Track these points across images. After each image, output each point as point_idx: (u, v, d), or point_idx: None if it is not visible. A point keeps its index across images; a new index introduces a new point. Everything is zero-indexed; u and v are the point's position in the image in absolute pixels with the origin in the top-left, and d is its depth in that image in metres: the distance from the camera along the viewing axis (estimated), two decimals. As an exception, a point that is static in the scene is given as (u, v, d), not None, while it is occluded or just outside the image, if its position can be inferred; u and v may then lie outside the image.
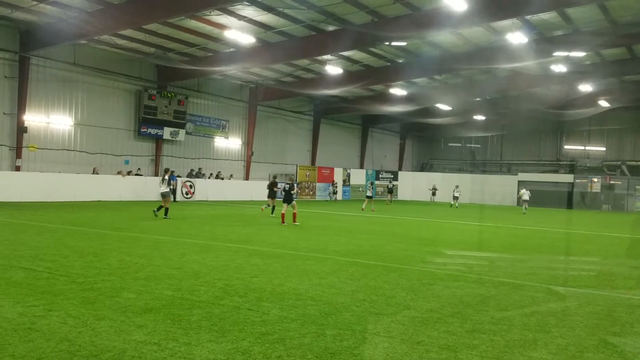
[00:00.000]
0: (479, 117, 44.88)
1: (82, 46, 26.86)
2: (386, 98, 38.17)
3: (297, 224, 17.47)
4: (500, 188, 45.36)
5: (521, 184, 44.53)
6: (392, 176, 49.02)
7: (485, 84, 34.26)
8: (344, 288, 7.48)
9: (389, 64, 30.54)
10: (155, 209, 18.36)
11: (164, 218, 17.73)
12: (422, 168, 57.04)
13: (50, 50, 25.31)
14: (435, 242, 14.08)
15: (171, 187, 20.75)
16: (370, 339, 5.20)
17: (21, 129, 25.09)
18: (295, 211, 17.99)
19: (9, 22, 23.91)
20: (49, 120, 26.61)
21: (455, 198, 37.21)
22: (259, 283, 7.61)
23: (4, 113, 24.81)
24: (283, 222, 17.74)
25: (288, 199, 18.02)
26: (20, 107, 25.01)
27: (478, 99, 40.26)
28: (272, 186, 21.56)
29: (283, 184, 20.44)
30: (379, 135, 52.37)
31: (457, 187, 38.18)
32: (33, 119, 25.78)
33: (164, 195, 18.38)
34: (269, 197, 21.73)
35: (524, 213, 31.68)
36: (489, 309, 6.69)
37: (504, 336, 5.52)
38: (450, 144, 56.77)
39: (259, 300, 6.56)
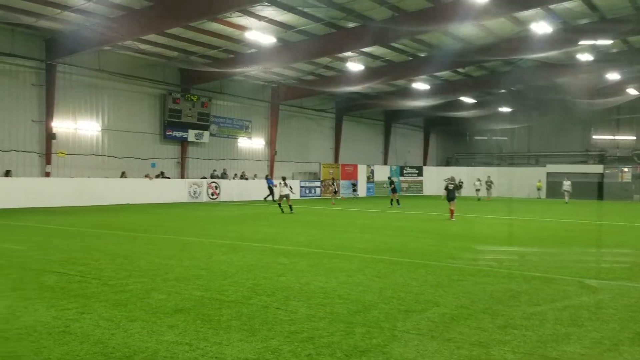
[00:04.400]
0: (505, 109, 44.26)
1: (107, 52, 27.31)
2: (409, 93, 37.92)
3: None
4: (527, 181, 44.58)
5: (550, 175, 43.76)
6: (416, 171, 48.64)
7: (510, 75, 33.75)
8: (371, 286, 7.45)
9: (410, 58, 30.31)
10: (281, 208, 22.06)
11: (290, 213, 21.34)
12: (448, 162, 56.44)
13: (75, 58, 25.78)
14: (463, 237, 13.92)
15: (282, 188, 22.56)
16: (400, 337, 5.17)
17: (50, 136, 25.66)
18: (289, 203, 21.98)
19: (34, 31, 24.45)
20: (76, 126, 27.14)
21: (478, 190, 37.03)
22: (286, 282, 7.63)
23: (32, 120, 25.40)
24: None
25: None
26: (48, 114, 25.57)
27: (503, 90, 39.72)
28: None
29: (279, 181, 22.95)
30: (403, 130, 52.02)
31: (479, 180, 37.90)
32: (61, 125, 26.34)
33: (285, 196, 22.04)
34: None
35: (566, 203, 31.83)
36: (520, 304, 6.59)
37: (536, 331, 5.43)
38: (476, 137, 56.08)
39: (287, 299, 6.58)
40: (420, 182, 48.09)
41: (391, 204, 27.88)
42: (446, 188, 19.95)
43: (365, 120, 47.10)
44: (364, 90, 38.08)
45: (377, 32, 23.22)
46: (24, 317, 5.62)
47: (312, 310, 6.10)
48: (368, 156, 47.02)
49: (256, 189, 33.51)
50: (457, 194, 21.03)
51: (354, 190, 40.13)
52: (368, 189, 44.11)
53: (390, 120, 49.00)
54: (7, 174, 24.18)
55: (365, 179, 43.99)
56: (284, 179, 23.21)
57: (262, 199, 32.05)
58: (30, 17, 22.26)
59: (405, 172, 48.03)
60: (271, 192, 31.54)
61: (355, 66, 30.10)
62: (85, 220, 17.62)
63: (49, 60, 25.35)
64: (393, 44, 27.34)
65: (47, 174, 25.65)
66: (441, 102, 39.24)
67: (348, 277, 8.06)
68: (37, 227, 15.05)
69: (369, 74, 31.66)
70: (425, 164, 52.93)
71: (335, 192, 34.06)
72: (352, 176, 42.45)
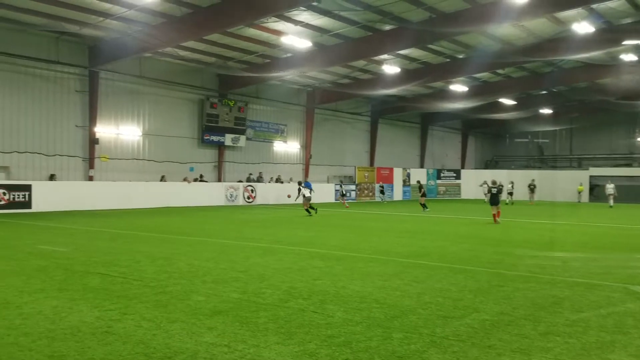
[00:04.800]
0: (546, 111, 43.23)
1: (147, 59, 27.98)
2: (446, 95, 37.48)
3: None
4: (569, 184, 43.33)
5: (593, 179, 42.47)
6: (454, 175, 47.93)
7: (551, 76, 32.97)
8: (408, 290, 7.38)
9: (448, 60, 29.97)
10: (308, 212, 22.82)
11: (309, 215, 22.27)
12: (487, 165, 55.44)
13: (117, 64, 26.50)
14: (503, 242, 13.64)
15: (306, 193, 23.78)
16: (439, 343, 5.09)
17: (93, 141, 26.44)
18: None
19: (78, 39, 25.26)
20: (118, 132, 27.90)
21: (510, 194, 36.42)
22: (322, 285, 7.63)
23: (76, 126, 26.22)
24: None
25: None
26: (91, 120, 26.37)
27: (544, 91, 38.85)
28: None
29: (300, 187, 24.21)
30: (440, 133, 51.40)
31: (512, 183, 37.32)
32: (104, 130, 27.11)
33: (309, 199, 23.33)
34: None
35: (611, 207, 31.15)
36: (563, 310, 6.42)
37: (579, 338, 5.27)
38: (516, 140, 54.96)
39: (323, 303, 6.57)
40: (458, 186, 47.35)
41: (424, 208, 27.30)
42: (489, 191, 19.69)
43: (401, 123, 46.76)
44: (400, 93, 37.84)
45: (414, 34, 23.07)
46: (69, 318, 5.79)
47: (349, 314, 6.08)
48: (404, 159, 46.63)
49: (291, 193, 33.55)
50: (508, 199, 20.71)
51: (382, 192, 39.43)
52: (404, 192, 43.72)
53: (427, 122, 48.51)
54: (52, 178, 25.05)
55: (401, 183, 43.63)
56: (300, 183, 24.60)
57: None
58: (75, 25, 23.01)
59: (442, 175, 47.37)
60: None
61: (391, 69, 29.95)
62: (127, 222, 18.06)
63: (92, 67, 26.15)
64: (430, 46, 27.09)
65: (90, 178, 26.43)
66: (480, 104, 38.63)
67: (385, 281, 8.00)
68: (81, 230, 15.51)
69: (406, 76, 31.44)
70: (463, 167, 52.13)
71: (343, 195, 33.37)
72: (387, 180, 42.18)
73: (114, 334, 5.22)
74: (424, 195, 28.31)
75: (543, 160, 53.37)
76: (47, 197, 23.19)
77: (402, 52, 27.63)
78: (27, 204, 22.65)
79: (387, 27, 23.94)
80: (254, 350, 4.80)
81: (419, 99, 39.14)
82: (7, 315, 5.82)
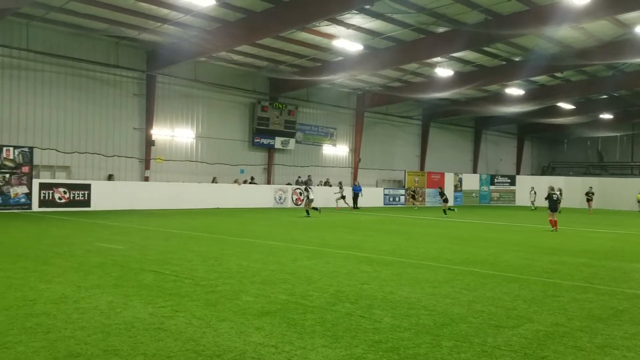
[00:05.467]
0: (606, 116, 41.46)
1: (202, 63, 28.67)
2: (501, 98, 36.56)
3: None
4: (629, 192, 41.25)
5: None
6: (508, 181, 46.59)
7: (612, 80, 31.63)
8: (459, 298, 7.21)
9: (504, 62, 29.23)
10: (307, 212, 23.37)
11: (307, 216, 22.74)
12: (543, 171, 53.65)
13: (173, 68, 27.29)
14: (559, 250, 13.14)
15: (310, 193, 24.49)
16: (491, 352, 4.94)
17: (149, 143, 27.34)
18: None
19: (137, 44, 26.19)
20: (173, 134, 28.71)
21: (532, 201, 35.44)
22: (369, 290, 7.56)
23: (134, 128, 27.17)
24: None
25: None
26: (148, 122, 27.27)
27: (604, 96, 37.30)
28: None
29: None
30: (494, 137, 50.16)
31: (532, 188, 36.62)
32: (159, 132, 27.97)
33: (312, 201, 24.07)
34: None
35: None
36: (622, 323, 6.12)
37: (639, 352, 5.00)
38: (574, 145, 52.97)
39: (371, 308, 6.51)
40: (513, 192, 46.00)
41: (445, 213, 27.29)
42: (549, 198, 19.06)
43: (454, 127, 45.93)
44: (454, 96, 37.18)
45: (469, 36, 22.63)
46: (123, 313, 5.97)
47: (397, 320, 5.99)
48: (456, 164, 45.75)
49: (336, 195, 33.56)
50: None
51: (412, 197, 38.23)
52: (455, 198, 42.85)
53: (481, 126, 47.43)
54: (110, 177, 26.04)
55: (452, 188, 42.79)
56: (306, 183, 25.18)
57: (350, 206, 32.10)
58: (134, 30, 23.86)
59: (496, 181, 46.12)
60: (353, 199, 32.05)
61: (444, 71, 29.50)
62: (180, 222, 18.53)
63: (150, 71, 27.04)
64: (485, 48, 26.51)
65: (146, 179, 27.31)
66: (537, 108, 37.49)
67: (434, 288, 7.85)
68: (136, 229, 16.02)
69: (459, 80, 30.88)
70: (518, 173, 50.58)
71: (343, 197, 31.36)
72: (439, 184, 41.44)
73: (166, 331, 5.34)
74: (445, 201, 28.84)
75: (603, 167, 51.19)
76: (105, 196, 24.11)
77: (456, 54, 27.14)
78: (86, 203, 23.62)
79: (441, 30, 23.59)
80: (301, 352, 4.80)
81: (472, 103, 38.35)
82: (65, 310, 6.06)
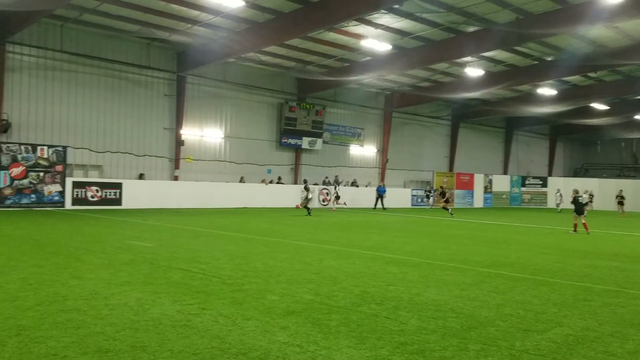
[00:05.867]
0: (642, 117, 40.34)
1: (231, 64, 28.94)
2: (533, 98, 35.93)
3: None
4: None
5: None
6: (540, 182, 45.65)
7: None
8: (487, 301, 7.09)
9: (536, 62, 28.71)
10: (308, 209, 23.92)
11: (308, 215, 23.18)
12: (576, 173, 52.46)
13: (202, 69, 27.63)
14: (591, 253, 12.82)
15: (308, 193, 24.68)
16: (518, 357, 4.85)
17: (179, 142, 27.73)
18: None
19: (167, 45, 26.60)
20: (202, 134, 29.06)
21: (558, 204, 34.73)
22: (395, 291, 7.50)
23: (164, 128, 27.59)
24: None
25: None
26: (178, 123, 27.66)
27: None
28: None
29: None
30: (525, 138, 49.29)
31: (558, 190, 36.03)
32: (189, 132, 28.34)
33: (308, 201, 24.34)
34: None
35: None
36: (657, 330, 5.92)
37: (678, 363, 4.84)
38: (608, 147, 51.63)
39: (397, 309, 6.46)
40: (544, 194, 45.02)
41: (450, 212, 27.49)
42: (574, 201, 18.65)
43: (484, 128, 45.30)
44: (484, 96, 36.65)
45: (500, 35, 22.31)
46: (151, 310, 6.06)
47: (423, 322, 5.93)
48: (486, 165, 45.09)
49: (366, 196, 33.49)
50: (588, 208, 19.54)
51: (428, 197, 36.85)
52: (485, 199, 42.24)
53: (512, 127, 46.65)
54: (141, 177, 26.51)
55: (482, 189, 42.18)
56: (305, 182, 26.25)
57: (372, 207, 31.99)
58: (165, 31, 24.23)
59: (527, 182, 45.21)
60: (379, 200, 31.84)
61: (474, 71, 29.14)
62: (208, 221, 18.73)
63: (180, 72, 27.42)
64: (517, 48, 26.07)
65: (176, 178, 27.71)
66: (569, 109, 36.72)
67: (462, 290, 7.74)
68: (166, 227, 16.26)
69: (490, 79, 30.46)
70: (550, 175, 49.56)
71: (338, 198, 29.44)
72: (467, 186, 40.93)
73: (193, 328, 5.40)
74: (447, 201, 28.86)
75: (637, 169, 49.76)
76: (136, 194, 24.56)
77: (486, 54, 26.79)
78: (118, 201, 24.09)
79: (471, 29, 23.31)
80: (326, 352, 4.79)
81: (503, 103, 37.76)
82: (96, 306, 6.18)
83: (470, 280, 8.56)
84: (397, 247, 12.94)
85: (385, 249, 12.30)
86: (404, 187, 38.43)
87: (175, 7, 21.26)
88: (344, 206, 30.46)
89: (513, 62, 28.77)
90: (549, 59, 27.88)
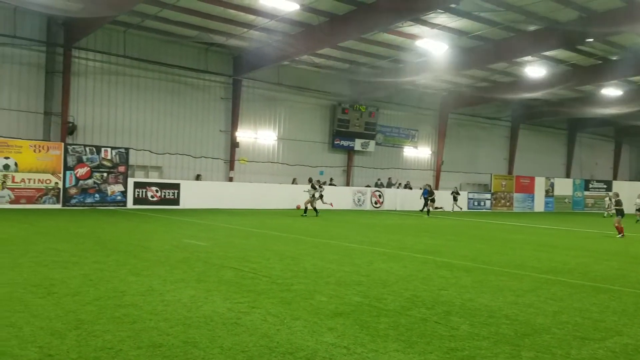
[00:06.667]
0: None
1: (284, 66, 29.28)
2: (597, 99, 34.41)
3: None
4: None
5: None
6: (604, 186, 43.59)
7: None
8: (543, 308, 6.84)
9: (600, 62, 27.49)
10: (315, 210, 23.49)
11: (316, 215, 23.08)
12: (642, 177, 49.85)
13: (257, 73, 28.10)
14: (659, 262, 12.14)
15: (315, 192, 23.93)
16: (574, 367, 4.65)
17: (234, 144, 28.33)
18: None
19: (224, 49, 27.23)
20: (256, 136, 29.56)
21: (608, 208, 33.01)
22: (447, 296, 7.35)
23: (220, 130, 28.25)
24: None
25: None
26: (233, 125, 28.26)
27: None
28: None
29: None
30: (589, 140, 47.25)
31: (608, 194, 34.33)
32: (243, 135, 28.89)
33: (312, 201, 23.67)
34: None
35: None
36: None
37: None
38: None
39: (448, 314, 6.33)
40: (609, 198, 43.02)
41: (428, 214, 27.30)
42: (617, 204, 18.48)
43: (545, 129, 43.74)
44: (545, 97, 35.38)
45: (562, 34, 21.55)
46: (203, 307, 6.20)
47: (475, 328, 5.78)
48: (547, 168, 43.48)
49: (420, 199, 32.93)
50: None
51: (455, 200, 34.12)
52: (546, 203, 40.73)
53: (575, 129, 44.87)
54: (198, 178, 27.24)
55: (543, 193, 40.70)
56: (310, 180, 25.88)
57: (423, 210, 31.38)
58: (221, 36, 24.81)
59: (590, 186, 43.29)
60: (426, 204, 30.74)
61: (535, 71, 28.21)
62: (260, 222, 19.01)
63: (236, 76, 28.02)
64: (580, 47, 25.04)
65: (230, 179, 28.31)
66: (636, 110, 34.90)
67: (517, 297, 7.50)
68: (220, 227, 16.63)
69: (551, 79, 29.39)
70: (615, 178, 47.27)
71: (321, 197, 24.73)
72: (528, 189, 39.59)
73: (242, 326, 5.48)
74: (433, 200, 28.15)
75: None
76: (193, 195, 25.25)
77: (547, 53, 25.88)
78: (176, 201, 24.85)
79: (532, 28, 22.58)
80: (373, 355, 4.75)
81: (566, 104, 36.33)
82: (151, 302, 6.38)
83: (527, 287, 8.27)
84: (451, 250, 12.68)
85: (437, 253, 12.08)
86: (461, 190, 37.43)
87: (232, 12, 21.72)
88: (330, 207, 27.05)
89: (575, 61, 27.67)
90: (614, 58, 26.64)
